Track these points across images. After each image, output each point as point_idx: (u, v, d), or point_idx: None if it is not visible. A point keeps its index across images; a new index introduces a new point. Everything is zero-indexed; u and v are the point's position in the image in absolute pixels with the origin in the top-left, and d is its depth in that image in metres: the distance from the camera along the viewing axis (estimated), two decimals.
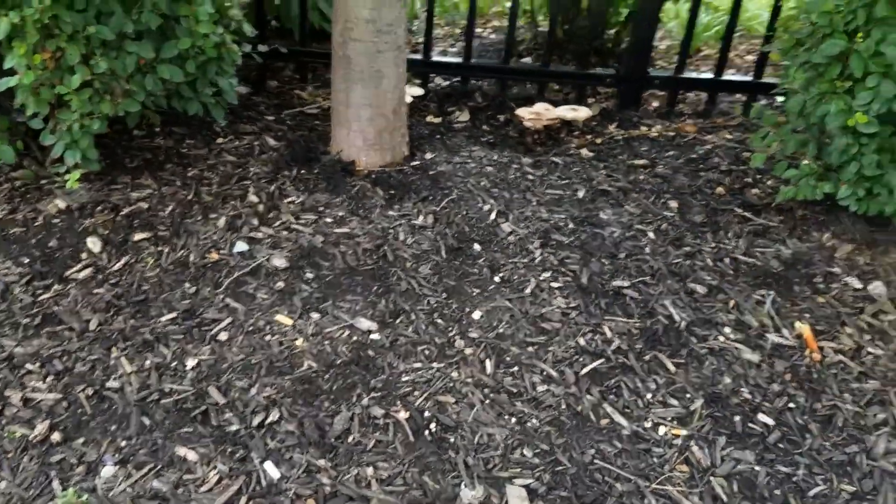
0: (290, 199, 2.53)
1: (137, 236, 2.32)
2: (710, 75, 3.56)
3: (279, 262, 2.25)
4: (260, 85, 3.40)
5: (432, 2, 3.31)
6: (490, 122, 3.24)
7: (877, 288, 2.30)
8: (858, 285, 2.32)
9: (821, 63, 2.32)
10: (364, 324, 2.06)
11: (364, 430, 1.79)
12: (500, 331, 2.08)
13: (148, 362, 1.91)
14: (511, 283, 2.24)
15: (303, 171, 2.66)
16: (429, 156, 2.82)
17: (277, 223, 2.42)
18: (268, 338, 2.00)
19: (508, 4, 5.07)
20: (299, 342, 2.00)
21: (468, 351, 2.01)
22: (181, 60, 2.34)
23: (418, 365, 1.96)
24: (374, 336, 2.03)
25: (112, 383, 1.85)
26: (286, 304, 2.12)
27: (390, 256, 2.30)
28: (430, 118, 3.23)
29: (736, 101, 3.74)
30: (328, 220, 2.44)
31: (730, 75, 3.72)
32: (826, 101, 2.30)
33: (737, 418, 1.92)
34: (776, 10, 3.35)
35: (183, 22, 2.29)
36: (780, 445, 1.87)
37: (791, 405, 1.97)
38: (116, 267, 2.21)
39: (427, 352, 2.00)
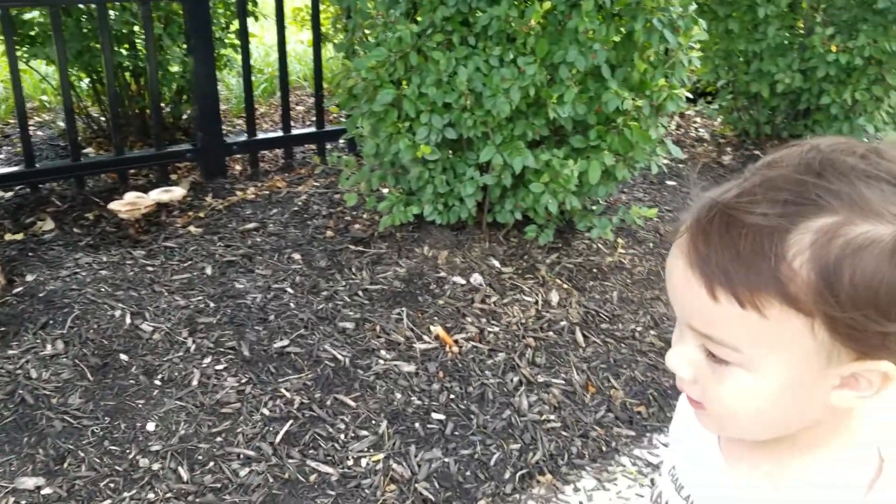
0: None
1: None
2: (281, 133, 3.83)
3: None
4: None
5: None
6: (80, 225, 3.03)
7: (476, 279, 2.79)
8: (462, 281, 2.79)
9: (380, 111, 2.72)
10: (28, 482, 1.82)
11: None
12: (182, 433, 2.02)
13: None
14: (174, 381, 2.18)
15: None
16: (30, 278, 2.54)
17: None
18: None
19: (45, 98, 4.71)
20: None
21: (156, 466, 1.92)
22: None
23: (108, 502, 1.81)
24: (46, 491, 1.81)
25: None
26: None
27: (29, 399, 2.05)
28: (9, 237, 2.89)
29: (307, 150, 4.08)
30: None
31: (297, 130, 4.05)
32: (394, 140, 2.70)
33: (417, 425, 2.19)
34: (319, 72, 3.76)
35: None
36: (456, 433, 2.18)
37: (452, 396, 2.30)
38: None
39: (112, 484, 1.85)
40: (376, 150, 2.77)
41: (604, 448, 2.23)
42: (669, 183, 3.97)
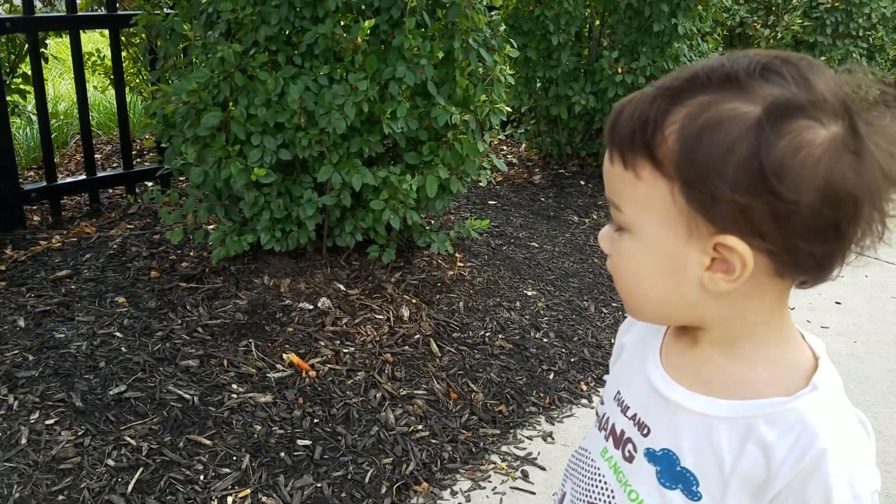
0: None
1: None
2: (84, 176, 3.53)
3: None
4: None
5: None
6: None
7: (324, 303, 2.72)
8: (310, 306, 2.70)
9: (206, 135, 2.59)
10: None
11: None
12: (17, 495, 1.76)
13: None
14: None
15: None
16: None
17: None
18: None
19: None
20: None
21: None
22: None
23: None
24: None
25: None
26: None
27: None
28: None
29: (114, 195, 3.80)
30: None
31: (103, 172, 3.76)
32: (224, 165, 2.58)
33: (283, 454, 2.07)
34: (124, 110, 3.53)
35: None
36: (326, 456, 2.09)
37: (315, 420, 2.21)
38: None
39: None
40: (204, 177, 2.63)
41: (473, 449, 2.24)
42: (491, 202, 4.15)
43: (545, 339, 2.81)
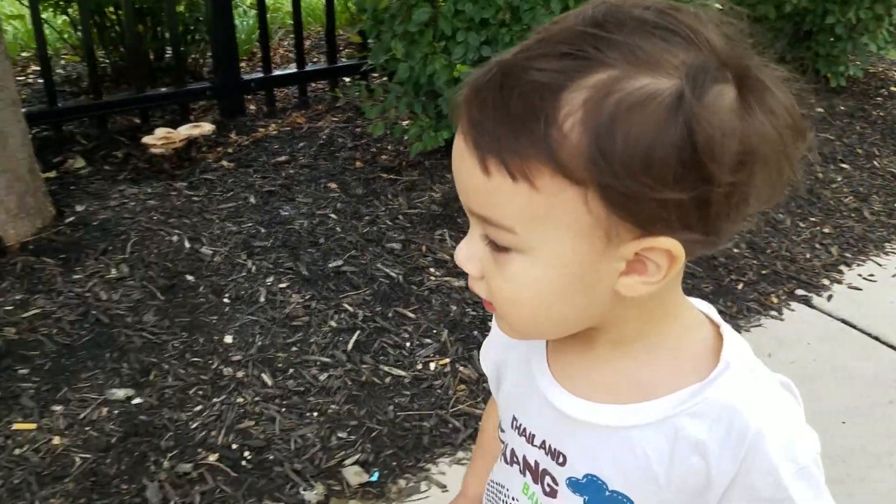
0: None
1: None
2: (295, 69, 3.81)
3: None
4: None
5: None
6: (111, 163, 3.02)
7: None
8: None
9: (415, 31, 2.72)
10: (119, 393, 1.87)
11: (182, 490, 1.67)
12: (259, 344, 2.07)
13: None
14: (242, 298, 2.23)
15: None
16: (80, 208, 2.55)
17: None
18: (18, 451, 1.69)
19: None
20: (57, 440, 1.73)
21: (240, 374, 1.97)
22: None
23: (199, 407, 1.87)
24: (137, 400, 1.86)
25: None
26: (14, 409, 1.80)
27: (104, 319, 2.08)
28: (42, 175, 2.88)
29: (317, 88, 4.07)
30: (9, 307, 2.08)
31: (311, 66, 4.03)
32: (430, 61, 2.71)
33: (475, 333, 2.26)
34: (331, 5, 3.73)
35: None
36: None
37: None
38: None
39: (201, 391, 1.91)
40: (409, 73, 2.77)
41: None
42: None
43: (735, 250, 2.78)
